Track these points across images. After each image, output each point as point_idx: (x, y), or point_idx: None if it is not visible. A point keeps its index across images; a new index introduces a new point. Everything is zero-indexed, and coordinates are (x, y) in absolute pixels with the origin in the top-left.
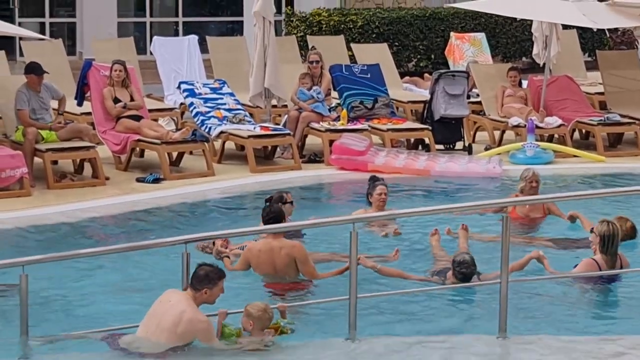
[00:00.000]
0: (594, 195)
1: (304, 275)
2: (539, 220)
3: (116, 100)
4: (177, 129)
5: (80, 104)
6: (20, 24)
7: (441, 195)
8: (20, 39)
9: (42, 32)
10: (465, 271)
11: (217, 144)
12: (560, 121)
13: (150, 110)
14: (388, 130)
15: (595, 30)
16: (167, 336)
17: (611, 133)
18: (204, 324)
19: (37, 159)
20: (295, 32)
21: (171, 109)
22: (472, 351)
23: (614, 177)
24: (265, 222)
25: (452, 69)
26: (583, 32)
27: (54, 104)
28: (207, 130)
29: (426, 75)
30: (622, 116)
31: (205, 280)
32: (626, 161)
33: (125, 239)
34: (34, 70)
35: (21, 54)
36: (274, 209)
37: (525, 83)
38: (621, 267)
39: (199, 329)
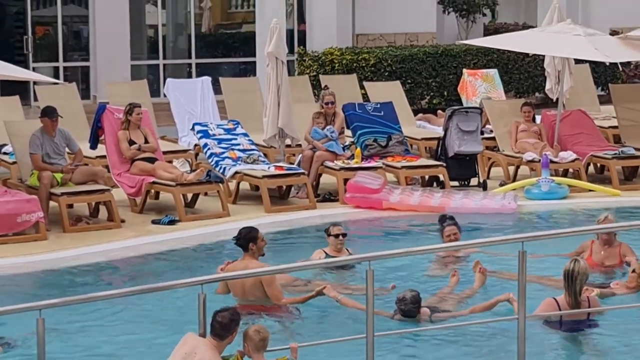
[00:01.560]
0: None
1: (270, 298)
2: (615, 267)
3: (131, 143)
4: (192, 170)
5: (94, 147)
6: (34, 69)
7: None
8: (35, 83)
9: (56, 76)
10: (403, 308)
11: (232, 185)
12: (574, 155)
13: (164, 152)
14: (402, 167)
15: (608, 64)
16: None
17: (626, 166)
18: None
19: (52, 203)
20: (307, 71)
21: (185, 151)
22: None
23: (629, 210)
24: (236, 244)
25: (465, 105)
26: (596, 66)
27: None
28: (221, 171)
29: (439, 112)
30: (637, 149)
31: (233, 325)
32: None
33: (142, 281)
34: (46, 113)
35: (35, 99)
36: (241, 232)
37: (538, 118)
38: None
39: None
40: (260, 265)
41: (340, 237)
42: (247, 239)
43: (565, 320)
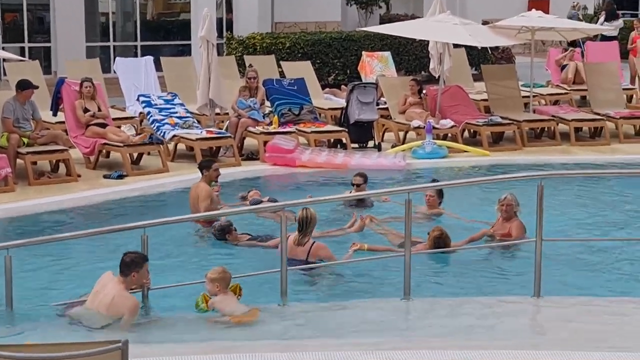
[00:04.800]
0: (480, 182)
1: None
2: (504, 237)
3: (85, 111)
4: (137, 134)
5: (54, 114)
6: (3, 48)
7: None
8: (4, 60)
9: (22, 55)
10: (214, 233)
11: (171, 146)
12: (452, 123)
13: (114, 119)
14: (312, 132)
15: (480, 48)
16: (105, 314)
17: (494, 132)
18: (131, 301)
19: (19, 161)
20: (234, 52)
21: (131, 118)
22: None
23: (496, 167)
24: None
25: (364, 81)
26: (470, 50)
27: None
28: (161, 134)
29: (342, 86)
30: (503, 118)
31: (132, 265)
32: (506, 155)
33: (94, 226)
34: (29, 85)
35: (4, 74)
36: (201, 162)
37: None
38: (309, 252)
39: (127, 306)
40: (201, 187)
41: (355, 187)
42: (199, 166)
43: (290, 259)
